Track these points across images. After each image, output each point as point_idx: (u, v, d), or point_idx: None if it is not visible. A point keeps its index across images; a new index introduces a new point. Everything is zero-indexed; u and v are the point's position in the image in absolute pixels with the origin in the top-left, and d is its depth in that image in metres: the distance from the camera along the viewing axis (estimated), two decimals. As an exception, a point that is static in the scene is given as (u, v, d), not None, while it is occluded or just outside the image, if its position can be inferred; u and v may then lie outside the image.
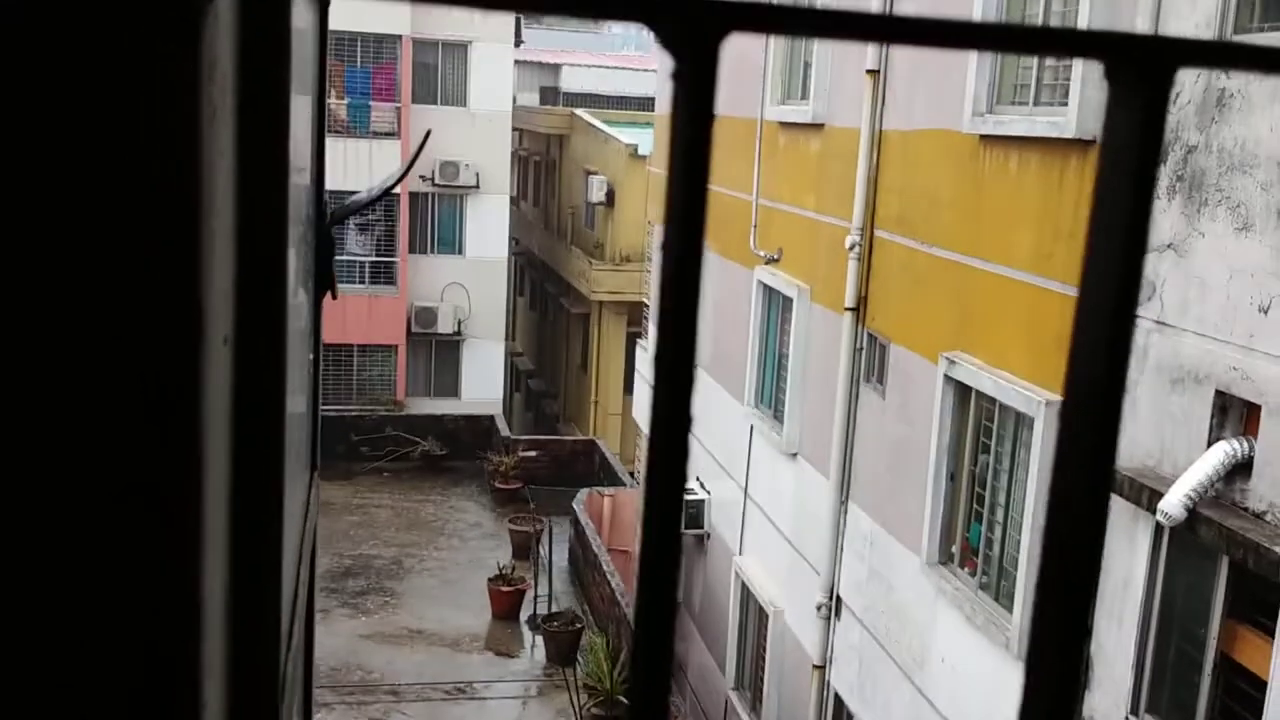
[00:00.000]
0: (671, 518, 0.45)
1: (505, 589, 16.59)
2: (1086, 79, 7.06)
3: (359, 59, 24.53)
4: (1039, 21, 7.89)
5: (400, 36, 24.53)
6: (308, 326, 1.42)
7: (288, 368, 0.96)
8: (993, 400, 8.18)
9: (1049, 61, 7.80)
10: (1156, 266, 6.44)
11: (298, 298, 1.20)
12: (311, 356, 1.51)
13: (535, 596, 16.53)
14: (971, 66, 8.33)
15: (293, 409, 1.15)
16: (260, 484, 0.77)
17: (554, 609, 16.31)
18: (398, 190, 24.08)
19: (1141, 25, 6.58)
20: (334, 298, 1.66)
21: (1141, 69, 0.37)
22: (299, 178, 1.26)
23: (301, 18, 1.30)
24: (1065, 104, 7.39)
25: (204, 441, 0.52)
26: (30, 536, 0.53)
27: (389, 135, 24.48)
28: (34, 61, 0.44)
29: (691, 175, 0.38)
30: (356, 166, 22.89)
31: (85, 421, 0.50)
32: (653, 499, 0.44)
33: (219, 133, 0.53)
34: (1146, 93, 0.37)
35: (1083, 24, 7.13)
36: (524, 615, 16.65)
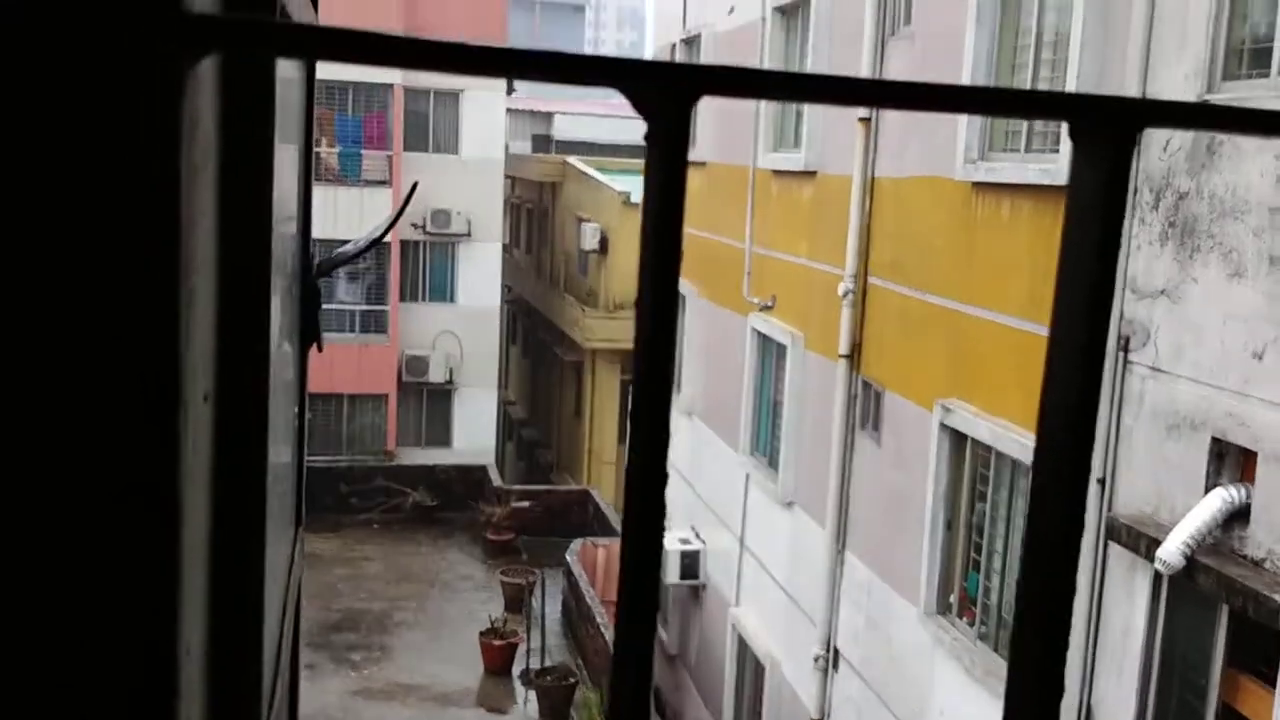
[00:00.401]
0: (650, 562, 0.44)
1: (497, 643, 16.40)
2: (1075, 128, 7.13)
3: (350, 107, 24.72)
4: (1030, 68, 7.99)
5: (392, 85, 24.75)
6: (293, 379, 1.41)
7: (270, 422, 0.95)
8: (989, 448, 8.17)
9: (1037, 111, 7.88)
10: (1150, 312, 6.47)
11: (282, 350, 1.20)
12: (296, 409, 1.50)
13: (528, 650, 16.35)
14: (963, 114, 8.41)
15: (277, 463, 1.14)
16: (241, 542, 0.76)
17: (547, 663, 16.12)
18: (388, 239, 24.17)
19: (1131, 73, 6.66)
20: (319, 350, 1.65)
21: (1105, 130, 0.37)
22: (285, 227, 1.26)
23: (288, 67, 1.30)
24: (1056, 151, 7.46)
25: (181, 500, 0.51)
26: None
27: (381, 183, 24.60)
28: (13, 116, 0.43)
29: (664, 233, 0.38)
30: (348, 215, 22.99)
31: (60, 482, 0.49)
32: (631, 538, 0.43)
33: (200, 192, 0.53)
34: (1110, 153, 0.37)
35: (1071, 72, 7.21)
36: (516, 670, 16.45)
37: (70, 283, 0.45)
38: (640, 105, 0.36)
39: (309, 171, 1.80)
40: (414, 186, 3.26)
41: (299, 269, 1.49)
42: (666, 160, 0.36)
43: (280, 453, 1.19)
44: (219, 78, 0.60)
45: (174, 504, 0.51)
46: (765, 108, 12.38)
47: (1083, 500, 0.45)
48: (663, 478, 0.43)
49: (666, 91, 0.35)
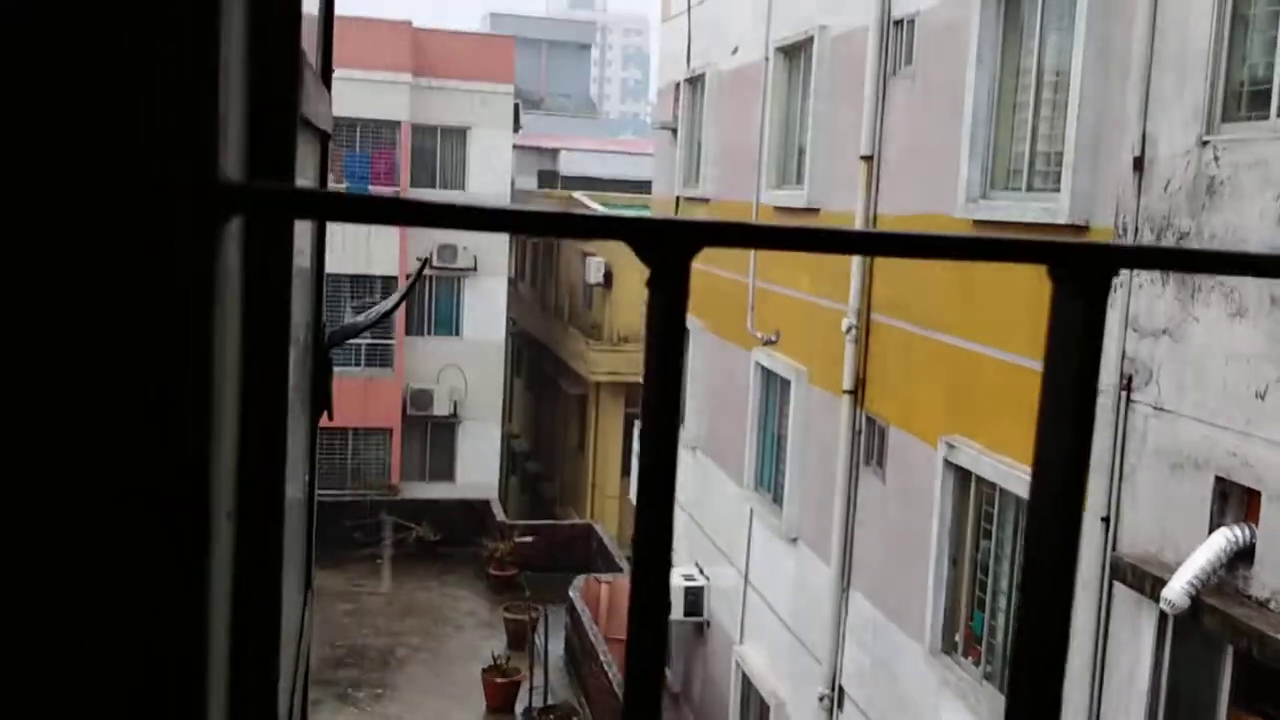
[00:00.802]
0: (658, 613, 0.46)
1: (500, 680, 16.30)
2: (1079, 166, 7.18)
3: (358, 144, 24.92)
4: (1030, 108, 8.04)
5: (399, 122, 24.95)
6: (304, 449, 1.44)
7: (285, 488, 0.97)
8: (993, 485, 8.16)
9: (1041, 147, 7.94)
10: (1153, 351, 6.48)
11: (295, 423, 1.22)
12: (307, 478, 1.52)
13: (531, 688, 16.24)
14: (964, 152, 8.47)
15: (290, 528, 1.16)
16: (257, 650, 0.78)
17: (550, 701, 16.00)
18: (395, 273, 24.28)
19: (1130, 115, 6.71)
20: (330, 418, 1.68)
21: (1082, 273, 0.39)
22: (300, 298, 1.29)
23: (306, 138, 1.33)
24: (1058, 190, 7.50)
25: (209, 624, 0.53)
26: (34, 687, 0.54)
27: (389, 220, 24.72)
28: (56, 276, 0.46)
29: (664, 373, 0.40)
30: (354, 251, 23.11)
31: (100, 599, 0.51)
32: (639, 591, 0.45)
33: (228, 337, 0.56)
34: (1087, 293, 0.40)
35: (1071, 113, 7.27)
36: (519, 708, 16.33)
37: (107, 423, 0.48)
38: (645, 256, 0.38)
39: (322, 240, 1.83)
40: (424, 262, 3.31)
41: (312, 341, 1.51)
42: (668, 307, 0.38)
43: (292, 521, 1.22)
44: (242, 236, 0.63)
45: (202, 634, 0.53)
46: (769, 145, 12.47)
47: (1077, 544, 0.46)
48: (669, 530, 0.45)
49: (669, 245, 0.38)
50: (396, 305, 2.84)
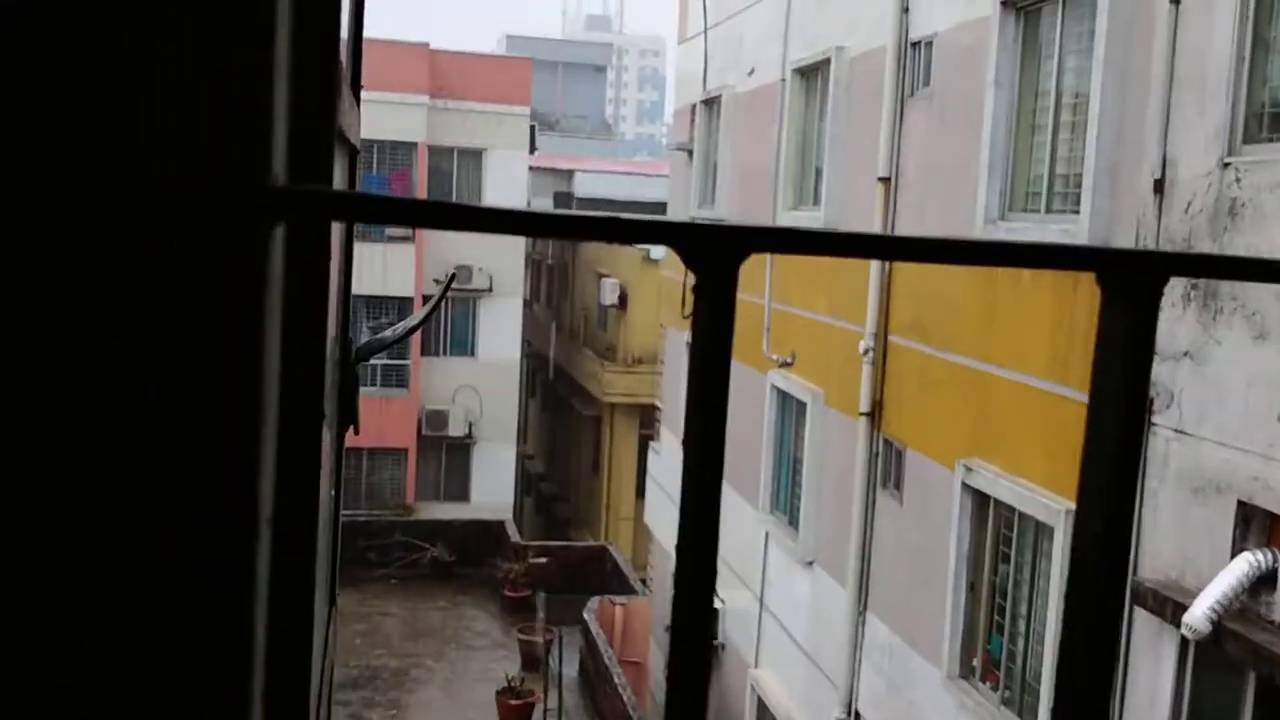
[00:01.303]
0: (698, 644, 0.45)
1: (514, 702, 16.23)
2: (1098, 188, 7.16)
3: (375, 165, 25.06)
4: (1049, 129, 8.03)
5: (415, 144, 25.10)
6: (331, 463, 1.43)
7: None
8: (1012, 509, 8.10)
9: (1060, 169, 7.93)
10: (1174, 374, 6.44)
11: (323, 437, 1.22)
12: (333, 493, 1.52)
13: (545, 710, 16.18)
14: (983, 174, 8.46)
15: (317, 543, 1.15)
16: (292, 653, 0.77)
17: (565, 722, 15.94)
18: (411, 294, 24.37)
19: (1150, 136, 6.69)
20: (356, 433, 1.68)
21: (1132, 280, 0.39)
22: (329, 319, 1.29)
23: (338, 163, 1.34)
24: (1077, 211, 7.48)
25: (255, 621, 0.53)
26: None
27: (404, 240, 24.86)
28: (119, 278, 0.47)
29: (710, 378, 0.39)
30: (370, 271, 23.21)
31: (147, 608, 0.51)
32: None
33: (271, 340, 0.56)
34: (1137, 301, 0.39)
35: (1090, 134, 7.26)
36: (534, 728, 16.28)
37: (160, 425, 0.48)
38: (691, 262, 0.38)
39: (349, 258, 1.83)
40: (452, 275, 3.32)
41: (339, 357, 1.51)
42: (716, 314, 0.38)
43: (319, 536, 1.21)
44: (284, 234, 0.64)
45: (248, 634, 0.53)
46: (785, 166, 12.49)
47: (1126, 561, 0.45)
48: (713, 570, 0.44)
49: (717, 250, 0.37)
50: (425, 318, 2.86)
